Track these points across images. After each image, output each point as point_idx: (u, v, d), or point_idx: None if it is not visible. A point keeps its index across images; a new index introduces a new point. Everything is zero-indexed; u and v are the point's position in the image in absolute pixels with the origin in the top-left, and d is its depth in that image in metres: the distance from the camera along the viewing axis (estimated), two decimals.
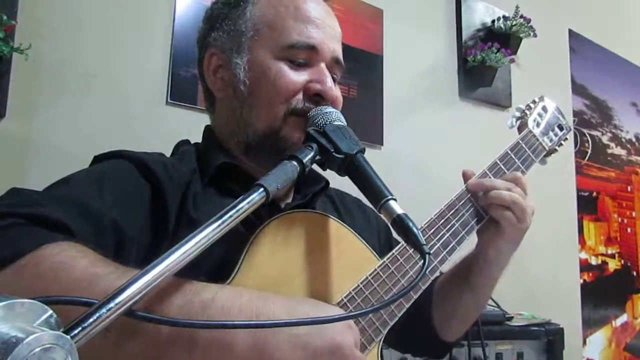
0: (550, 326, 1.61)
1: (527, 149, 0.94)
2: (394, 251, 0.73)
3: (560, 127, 1.03)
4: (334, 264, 0.69)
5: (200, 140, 0.88)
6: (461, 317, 0.92)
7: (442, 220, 0.81)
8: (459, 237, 0.81)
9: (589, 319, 2.54)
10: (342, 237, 0.72)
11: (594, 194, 2.71)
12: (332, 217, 0.73)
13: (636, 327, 2.81)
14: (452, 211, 0.82)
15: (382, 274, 0.71)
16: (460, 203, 0.84)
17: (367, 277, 0.70)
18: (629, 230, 2.90)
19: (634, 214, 2.94)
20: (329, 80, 0.78)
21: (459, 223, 0.82)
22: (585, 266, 2.60)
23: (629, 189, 2.94)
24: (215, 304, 0.51)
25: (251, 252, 0.63)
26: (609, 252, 2.76)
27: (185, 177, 0.73)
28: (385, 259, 0.73)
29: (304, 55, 0.78)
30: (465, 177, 0.88)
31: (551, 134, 1.01)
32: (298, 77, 0.77)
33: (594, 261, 2.66)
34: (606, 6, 2.94)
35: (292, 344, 0.51)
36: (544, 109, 1.02)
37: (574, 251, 2.57)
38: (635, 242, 2.93)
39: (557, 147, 1.03)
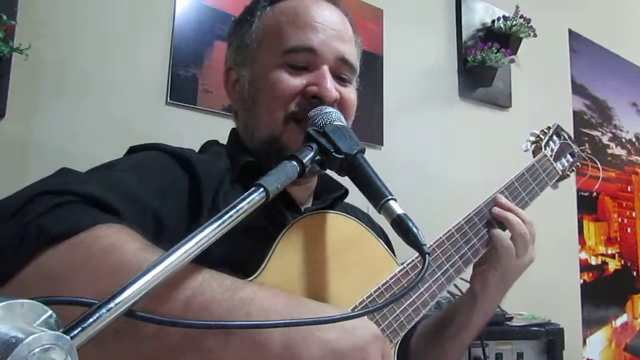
0: (550, 326, 1.61)
1: (542, 172, 0.97)
2: (413, 257, 0.75)
3: (572, 154, 1.08)
4: (356, 265, 0.70)
5: (201, 141, 0.90)
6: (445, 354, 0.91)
7: (451, 241, 0.82)
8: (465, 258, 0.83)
9: (589, 319, 2.54)
10: (365, 239, 0.73)
11: (594, 194, 2.71)
12: (355, 219, 0.74)
13: (636, 327, 2.81)
14: (460, 233, 0.84)
15: (401, 279, 0.72)
16: (469, 226, 0.84)
17: (387, 281, 0.71)
18: (629, 230, 2.90)
19: (634, 214, 2.94)
20: (328, 82, 0.77)
21: (467, 246, 0.83)
22: (585, 266, 2.60)
23: (629, 189, 2.94)
24: (255, 302, 0.52)
25: (276, 252, 0.64)
26: (609, 252, 2.76)
27: (220, 175, 0.75)
28: (405, 264, 0.74)
29: (302, 58, 0.78)
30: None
31: (563, 160, 1.05)
32: (296, 81, 0.77)
33: (594, 261, 2.66)
34: (606, 6, 2.94)
35: (322, 346, 0.52)
36: (557, 135, 1.06)
37: (574, 251, 2.57)
38: (635, 242, 2.93)
39: (569, 173, 1.07)
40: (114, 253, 0.50)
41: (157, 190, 0.65)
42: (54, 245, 0.50)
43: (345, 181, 0.70)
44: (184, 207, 0.68)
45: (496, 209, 0.86)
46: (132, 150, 0.76)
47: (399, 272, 0.72)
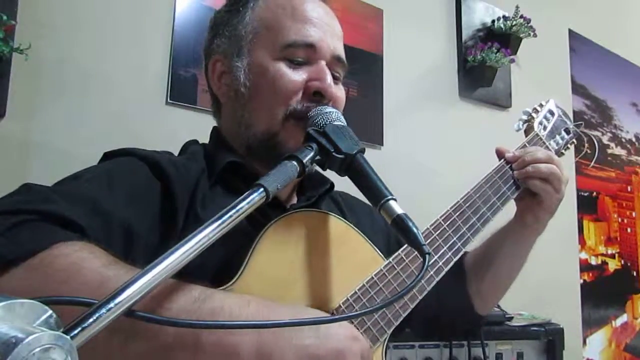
0: (550, 326, 1.61)
1: None
2: (399, 252, 0.73)
3: (567, 131, 1.04)
4: (340, 263, 0.69)
5: (200, 140, 0.89)
6: (500, 284, 0.97)
7: (458, 213, 0.82)
8: (477, 227, 0.84)
9: (589, 319, 2.54)
10: (348, 237, 0.72)
11: (594, 194, 2.71)
12: (338, 217, 0.73)
13: (636, 327, 2.81)
14: (479, 193, 0.86)
15: (387, 275, 0.71)
16: (488, 185, 0.88)
17: (372, 277, 0.70)
18: (629, 230, 2.90)
19: (634, 214, 2.94)
20: (329, 78, 0.77)
21: (485, 206, 0.85)
22: (585, 266, 2.60)
23: (629, 189, 2.94)
24: (224, 312, 0.51)
25: (256, 253, 0.63)
26: (609, 252, 2.76)
27: (194, 177, 0.73)
28: (391, 259, 0.73)
29: (302, 53, 0.78)
30: (500, 153, 0.94)
31: (558, 137, 1.02)
32: (297, 77, 0.77)
33: (594, 261, 2.66)
34: (606, 6, 2.94)
35: (297, 352, 0.51)
36: (551, 112, 1.02)
37: (574, 251, 2.57)
38: (635, 242, 2.93)
39: (563, 151, 1.04)
40: (75, 273, 0.49)
41: (127, 198, 0.64)
42: (12, 268, 0.48)
43: (345, 180, 0.69)
44: (156, 212, 0.67)
45: (516, 172, 0.89)
46: (106, 156, 0.75)
47: (385, 267, 0.71)
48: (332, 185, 0.88)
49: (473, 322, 1.00)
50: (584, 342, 2.50)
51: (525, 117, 1.01)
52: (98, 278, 0.49)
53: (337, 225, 0.72)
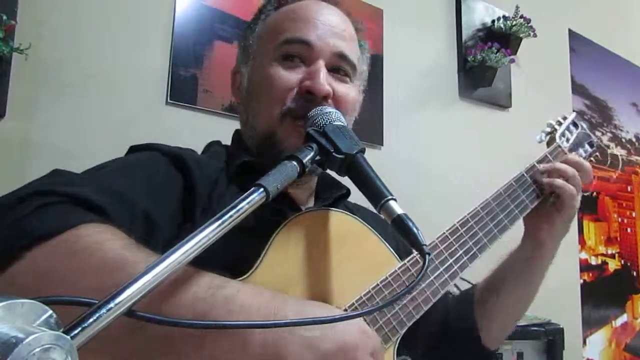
0: (550, 326, 1.62)
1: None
2: (414, 254, 0.73)
3: (591, 144, 1.04)
4: (355, 262, 0.70)
5: (201, 140, 0.90)
6: (511, 317, 0.95)
7: (476, 219, 0.82)
8: (495, 232, 0.83)
9: (589, 319, 2.54)
10: (364, 236, 0.73)
11: (594, 194, 2.71)
12: (354, 216, 0.73)
13: (636, 327, 2.81)
14: (497, 201, 0.86)
15: (402, 276, 0.71)
16: (507, 193, 0.87)
17: (386, 278, 0.70)
18: (629, 230, 2.90)
19: (634, 214, 2.94)
20: (321, 76, 0.77)
21: (503, 214, 0.85)
22: (585, 266, 2.60)
23: (629, 189, 2.94)
24: (237, 300, 0.51)
25: (270, 251, 0.64)
26: (609, 252, 2.76)
27: (213, 174, 0.75)
28: (405, 261, 0.73)
29: (297, 49, 0.79)
30: None
31: (581, 150, 1.02)
32: (291, 76, 0.78)
33: (594, 261, 2.66)
34: (606, 6, 2.94)
35: (303, 345, 0.51)
36: (575, 124, 1.03)
37: (574, 251, 2.57)
38: (635, 242, 2.93)
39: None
40: (96, 252, 0.50)
41: (149, 191, 0.66)
42: (39, 244, 0.50)
43: (345, 181, 0.70)
44: (177, 206, 0.68)
45: (546, 179, 0.89)
46: (132, 149, 0.77)
47: (399, 268, 0.71)
48: (349, 191, 0.88)
49: (480, 355, 0.95)
50: (584, 342, 2.50)
51: (548, 129, 1.02)
52: (120, 259, 0.50)
53: (352, 224, 0.72)
